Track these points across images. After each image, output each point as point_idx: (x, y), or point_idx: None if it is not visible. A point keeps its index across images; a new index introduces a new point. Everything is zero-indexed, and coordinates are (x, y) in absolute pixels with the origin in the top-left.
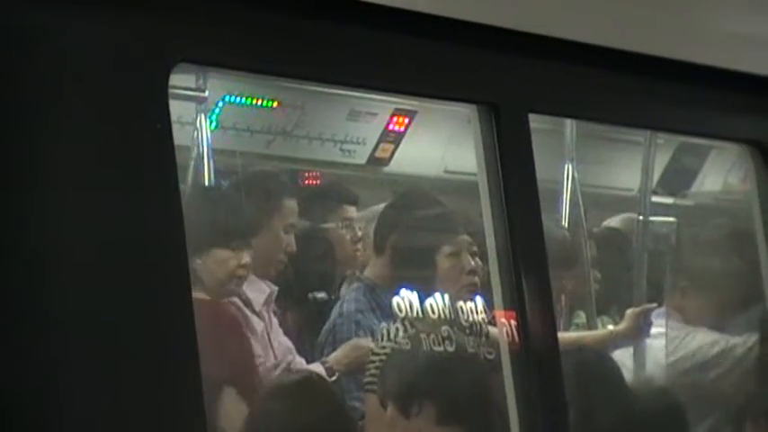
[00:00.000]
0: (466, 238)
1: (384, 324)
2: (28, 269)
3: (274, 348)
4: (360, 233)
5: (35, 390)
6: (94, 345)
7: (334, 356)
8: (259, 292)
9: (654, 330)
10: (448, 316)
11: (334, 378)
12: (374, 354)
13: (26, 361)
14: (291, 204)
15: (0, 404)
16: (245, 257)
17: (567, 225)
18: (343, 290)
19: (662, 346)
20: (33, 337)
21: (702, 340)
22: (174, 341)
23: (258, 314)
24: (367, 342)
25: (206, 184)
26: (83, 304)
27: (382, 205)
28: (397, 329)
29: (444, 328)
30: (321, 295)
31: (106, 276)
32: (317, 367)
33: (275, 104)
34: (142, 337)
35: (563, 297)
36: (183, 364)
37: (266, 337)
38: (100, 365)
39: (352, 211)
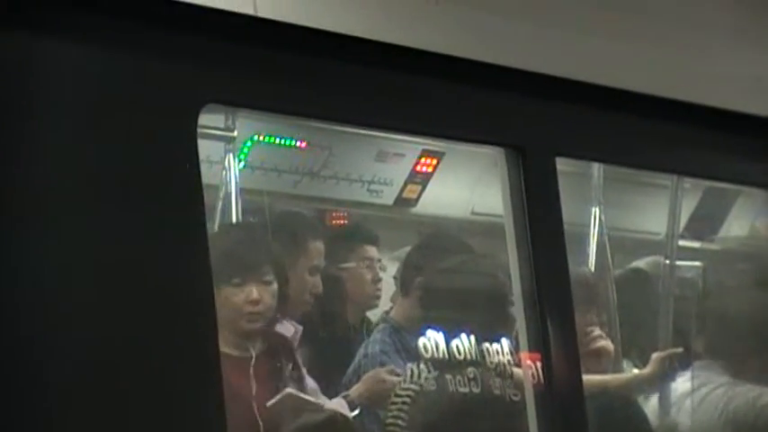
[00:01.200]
0: (496, 285)
1: (410, 364)
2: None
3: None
4: (380, 273)
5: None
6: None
7: (356, 389)
8: (286, 332)
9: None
10: (474, 357)
11: (356, 412)
12: (397, 395)
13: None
14: (318, 246)
15: None
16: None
17: (593, 268)
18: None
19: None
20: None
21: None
22: (199, 384)
23: (283, 359)
24: (387, 374)
25: (233, 222)
26: (106, 344)
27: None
28: (423, 370)
29: (470, 369)
30: (343, 334)
31: (132, 313)
32: (338, 401)
33: (303, 145)
34: (167, 376)
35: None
36: (208, 408)
37: (288, 375)
38: (120, 400)
39: (372, 251)
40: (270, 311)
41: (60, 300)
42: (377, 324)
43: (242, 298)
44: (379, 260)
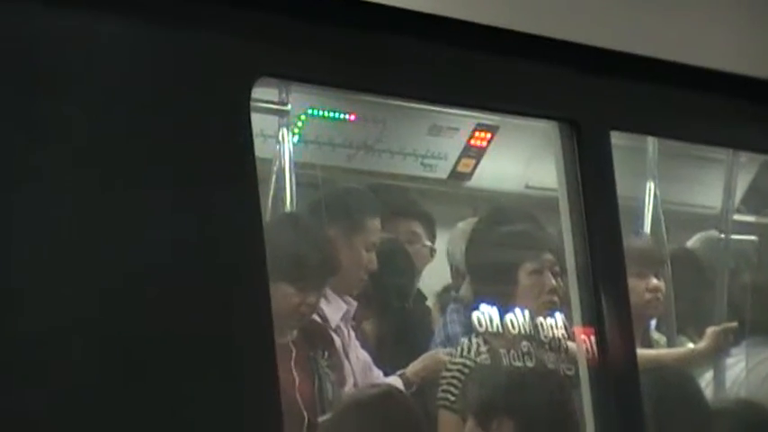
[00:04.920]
0: (549, 256)
1: (463, 338)
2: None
3: (351, 363)
4: (427, 247)
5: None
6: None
7: (413, 368)
8: (337, 308)
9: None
10: (528, 332)
11: (412, 389)
12: (447, 369)
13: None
14: (375, 223)
15: None
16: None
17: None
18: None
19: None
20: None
21: None
22: (254, 363)
23: (335, 330)
24: (445, 355)
25: (287, 198)
26: (158, 323)
27: (463, 222)
28: (478, 344)
29: (524, 343)
30: (398, 308)
31: (183, 293)
32: (395, 380)
33: (353, 118)
34: (219, 358)
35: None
36: (262, 393)
37: (342, 351)
38: (176, 385)
39: (416, 226)
40: (316, 308)
41: (102, 281)
42: (448, 303)
43: (296, 301)
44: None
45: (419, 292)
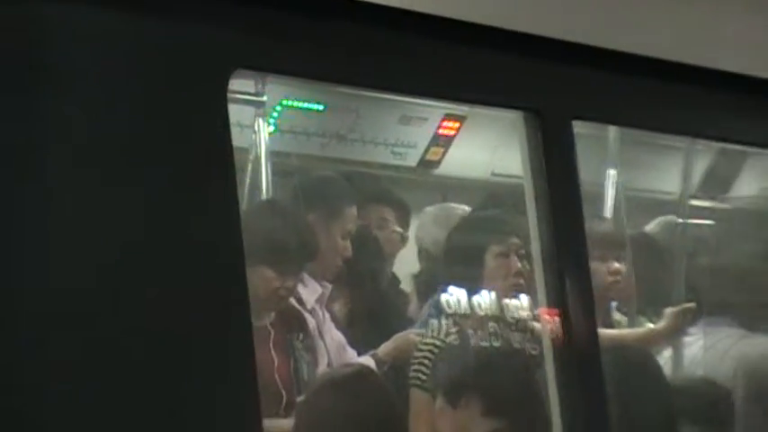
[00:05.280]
0: (515, 240)
1: (432, 320)
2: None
3: (326, 343)
4: (398, 233)
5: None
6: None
7: (385, 348)
8: (312, 291)
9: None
10: (495, 313)
11: (384, 369)
12: (418, 349)
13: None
14: (352, 211)
15: None
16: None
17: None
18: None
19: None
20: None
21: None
22: (224, 360)
23: (311, 312)
24: (417, 336)
25: (268, 199)
26: (137, 305)
27: (431, 207)
28: (447, 325)
29: (491, 324)
30: (371, 291)
31: (162, 278)
32: (367, 360)
33: (330, 109)
34: (199, 342)
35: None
36: (240, 374)
37: (317, 333)
38: (158, 365)
39: (387, 212)
40: (293, 292)
41: (87, 269)
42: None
43: (275, 285)
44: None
45: (394, 276)
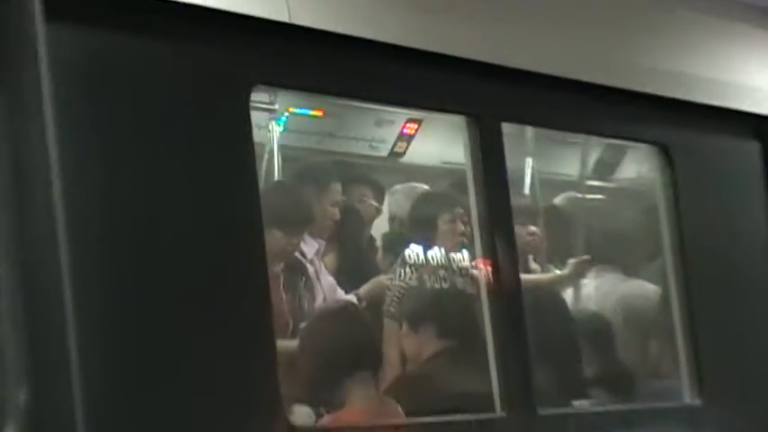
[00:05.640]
0: (459, 210)
1: (400, 269)
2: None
3: (322, 285)
4: (374, 206)
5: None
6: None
7: (364, 289)
8: (311, 247)
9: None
10: (444, 263)
11: (363, 304)
12: (389, 290)
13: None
14: (336, 186)
15: None
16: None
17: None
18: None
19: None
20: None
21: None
22: (247, 298)
23: (310, 262)
24: (387, 280)
25: (275, 171)
26: (189, 255)
27: (399, 185)
28: (409, 272)
29: (441, 271)
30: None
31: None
32: (352, 297)
33: (321, 114)
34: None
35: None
36: (259, 307)
37: (318, 278)
38: (192, 312)
39: (366, 190)
40: (297, 247)
41: (163, 229)
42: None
43: (284, 242)
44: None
45: (371, 237)
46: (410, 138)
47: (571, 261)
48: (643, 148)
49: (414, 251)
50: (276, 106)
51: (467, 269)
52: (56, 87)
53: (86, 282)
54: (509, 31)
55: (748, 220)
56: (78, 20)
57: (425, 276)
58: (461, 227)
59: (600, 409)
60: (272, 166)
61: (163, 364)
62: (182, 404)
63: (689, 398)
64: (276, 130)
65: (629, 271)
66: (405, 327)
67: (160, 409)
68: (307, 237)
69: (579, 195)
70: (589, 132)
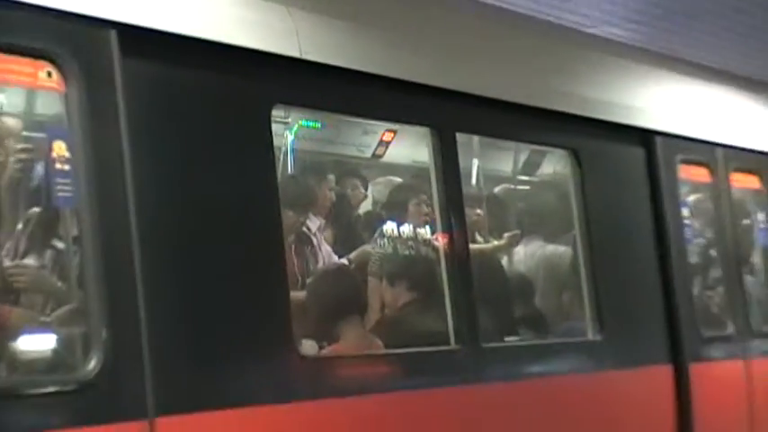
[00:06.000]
0: (424, 197)
1: (380, 240)
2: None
3: (322, 252)
4: (362, 193)
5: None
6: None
7: (353, 255)
8: (315, 223)
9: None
10: (412, 236)
11: (353, 266)
12: (372, 255)
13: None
14: (331, 177)
15: None
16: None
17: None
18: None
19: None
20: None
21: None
22: (263, 278)
23: (314, 234)
24: (370, 248)
25: (289, 167)
26: (225, 228)
27: (380, 178)
28: (387, 243)
29: (410, 242)
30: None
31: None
32: (344, 261)
33: (324, 126)
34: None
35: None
36: (277, 267)
37: (319, 247)
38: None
39: (356, 181)
40: (304, 223)
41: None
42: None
43: (294, 219)
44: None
45: (358, 215)
46: (388, 143)
47: (506, 235)
48: (559, 152)
49: (390, 227)
50: (289, 120)
51: (429, 240)
52: (128, 106)
53: (150, 249)
54: (462, 66)
55: (636, 204)
56: (145, 55)
57: (399, 245)
58: (425, 209)
59: (526, 343)
60: (287, 164)
61: (206, 309)
62: (219, 338)
63: (591, 335)
64: (289, 137)
65: (549, 240)
66: (384, 282)
67: (204, 342)
68: (311, 215)
69: (512, 186)
70: (519, 140)
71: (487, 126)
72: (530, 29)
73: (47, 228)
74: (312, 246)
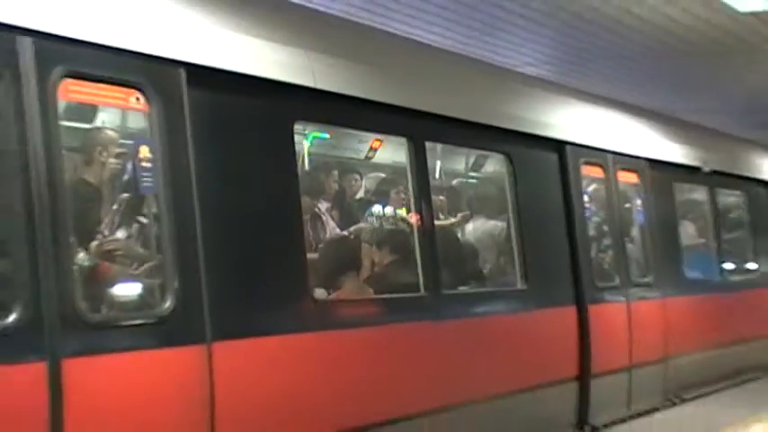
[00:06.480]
0: (402, 188)
1: (369, 218)
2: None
3: (329, 227)
4: (359, 184)
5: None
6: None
7: (351, 229)
8: (324, 205)
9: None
10: (392, 215)
11: (351, 237)
12: (364, 229)
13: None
14: (335, 172)
15: None
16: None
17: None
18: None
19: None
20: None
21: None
22: (288, 245)
23: (323, 214)
24: (363, 224)
25: (306, 166)
26: (265, 213)
27: (371, 173)
28: (374, 220)
29: (391, 219)
30: (346, 206)
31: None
32: (346, 233)
33: (329, 135)
34: (278, 233)
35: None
36: (297, 238)
37: (327, 223)
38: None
39: (355, 176)
40: (317, 206)
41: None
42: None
43: (310, 203)
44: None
45: (353, 200)
46: (376, 149)
47: (460, 214)
48: (497, 155)
49: (377, 208)
50: (306, 132)
51: (405, 218)
52: (192, 121)
53: (207, 223)
54: (431, 93)
55: (551, 193)
56: (204, 86)
57: (383, 222)
58: (403, 196)
59: (473, 291)
60: (304, 164)
61: (247, 266)
62: (256, 287)
63: (519, 285)
64: (306, 144)
65: (490, 218)
66: (373, 248)
67: (245, 290)
68: (321, 200)
69: (464, 180)
70: (470, 147)
71: (447, 137)
72: (478, 68)
73: (134, 208)
74: (322, 222)
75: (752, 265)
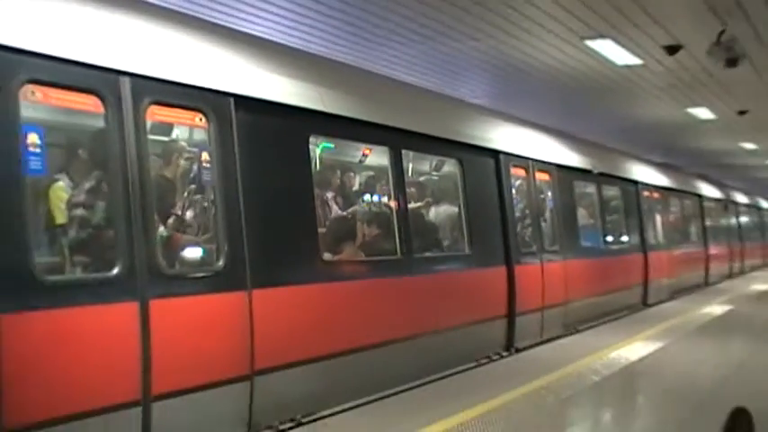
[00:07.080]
0: (384, 181)
1: (362, 204)
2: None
3: (333, 210)
4: (356, 178)
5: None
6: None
7: (349, 210)
8: (329, 195)
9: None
10: (377, 202)
11: (350, 217)
12: (358, 211)
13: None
14: (338, 170)
15: None
16: (324, 191)
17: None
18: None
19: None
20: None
21: (449, 209)
22: (305, 222)
23: (330, 201)
24: (357, 207)
25: (318, 168)
26: (286, 207)
27: (364, 171)
28: (365, 205)
29: (377, 203)
30: (347, 195)
31: (288, 205)
32: (345, 213)
33: (336, 146)
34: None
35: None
36: (311, 218)
37: (332, 207)
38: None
39: (352, 173)
40: (326, 195)
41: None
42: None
43: (320, 194)
44: (356, 175)
45: (351, 190)
46: (367, 155)
47: (425, 201)
48: (452, 160)
49: (368, 197)
50: (318, 142)
51: (387, 203)
52: (238, 135)
53: (248, 207)
54: (406, 116)
55: (490, 187)
56: (246, 110)
57: (372, 207)
58: (386, 188)
59: (435, 254)
60: (315, 166)
61: (277, 237)
62: (282, 251)
63: (467, 251)
64: (317, 151)
65: (447, 204)
66: (364, 225)
67: (275, 253)
68: (328, 191)
69: (429, 177)
70: (433, 154)
71: (418, 146)
72: (439, 99)
73: (198, 195)
74: (329, 207)
75: (624, 238)
